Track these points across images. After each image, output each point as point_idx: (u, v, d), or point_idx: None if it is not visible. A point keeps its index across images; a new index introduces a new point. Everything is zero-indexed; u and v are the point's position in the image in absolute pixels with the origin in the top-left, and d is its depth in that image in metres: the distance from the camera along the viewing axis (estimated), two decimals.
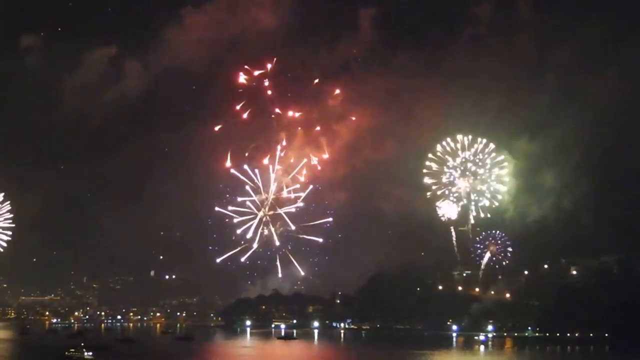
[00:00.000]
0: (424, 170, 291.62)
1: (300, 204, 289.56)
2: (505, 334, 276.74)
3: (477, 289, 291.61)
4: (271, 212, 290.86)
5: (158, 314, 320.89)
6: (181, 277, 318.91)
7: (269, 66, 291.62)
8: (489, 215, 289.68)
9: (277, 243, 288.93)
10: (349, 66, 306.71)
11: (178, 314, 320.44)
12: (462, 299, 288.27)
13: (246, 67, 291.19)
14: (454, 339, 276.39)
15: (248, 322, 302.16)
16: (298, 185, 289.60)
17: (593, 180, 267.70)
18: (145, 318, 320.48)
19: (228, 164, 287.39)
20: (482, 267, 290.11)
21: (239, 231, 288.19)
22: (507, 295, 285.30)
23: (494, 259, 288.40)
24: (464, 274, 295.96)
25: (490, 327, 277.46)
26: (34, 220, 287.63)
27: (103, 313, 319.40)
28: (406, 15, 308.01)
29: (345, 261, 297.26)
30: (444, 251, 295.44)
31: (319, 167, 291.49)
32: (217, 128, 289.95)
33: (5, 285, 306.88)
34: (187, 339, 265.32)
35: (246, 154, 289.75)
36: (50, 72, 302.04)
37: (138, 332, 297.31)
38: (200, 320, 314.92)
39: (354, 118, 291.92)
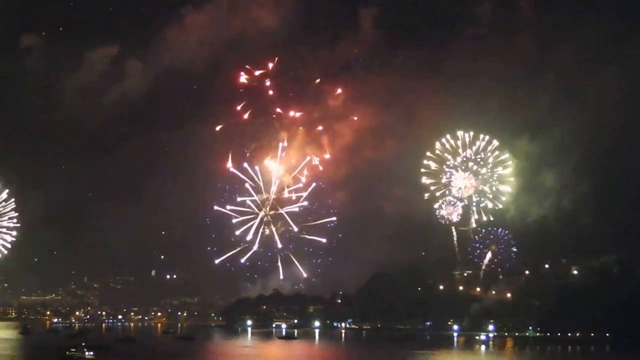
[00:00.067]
0: (422, 170, 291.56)
1: (304, 202, 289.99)
2: (506, 334, 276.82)
3: (477, 289, 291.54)
4: (272, 212, 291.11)
5: (159, 314, 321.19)
6: (182, 277, 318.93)
7: (270, 65, 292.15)
8: (491, 218, 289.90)
9: (279, 245, 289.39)
10: (349, 66, 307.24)
11: (179, 313, 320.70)
12: (462, 298, 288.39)
13: (247, 66, 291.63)
14: (455, 339, 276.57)
15: (249, 322, 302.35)
16: (301, 185, 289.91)
17: (593, 180, 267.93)
18: (146, 318, 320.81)
19: (229, 163, 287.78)
20: (483, 267, 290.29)
21: (239, 231, 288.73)
22: (508, 295, 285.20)
23: (496, 260, 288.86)
24: (465, 274, 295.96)
25: (491, 327, 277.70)
26: (35, 220, 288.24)
27: (104, 313, 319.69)
28: (407, 15, 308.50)
29: (346, 261, 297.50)
30: (444, 251, 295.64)
31: (321, 168, 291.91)
32: (218, 128, 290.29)
33: (6, 285, 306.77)
34: (188, 339, 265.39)
35: (247, 154, 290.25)
36: (51, 72, 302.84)
37: (139, 331, 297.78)
38: (201, 320, 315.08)
39: (355, 118, 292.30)
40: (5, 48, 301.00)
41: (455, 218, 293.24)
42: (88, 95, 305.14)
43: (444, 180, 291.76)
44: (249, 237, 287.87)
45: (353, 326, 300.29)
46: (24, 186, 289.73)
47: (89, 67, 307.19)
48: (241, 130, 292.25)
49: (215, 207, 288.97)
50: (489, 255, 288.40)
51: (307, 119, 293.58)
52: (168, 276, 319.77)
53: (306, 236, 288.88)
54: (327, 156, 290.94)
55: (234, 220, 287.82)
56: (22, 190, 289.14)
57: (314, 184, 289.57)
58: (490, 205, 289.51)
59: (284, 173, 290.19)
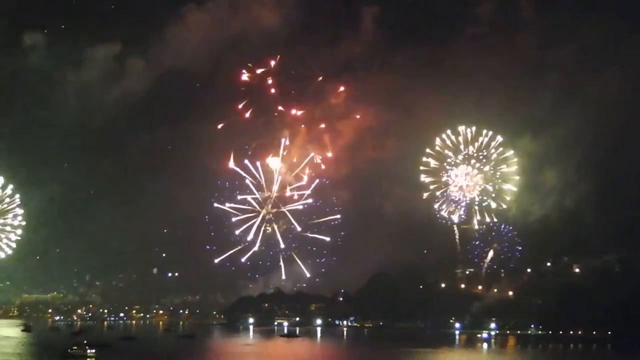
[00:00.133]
0: (421, 167, 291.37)
1: (309, 200, 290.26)
2: (507, 332, 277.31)
3: (479, 287, 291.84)
4: (274, 210, 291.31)
5: (160, 312, 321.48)
6: (183, 275, 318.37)
7: (272, 63, 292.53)
8: (495, 220, 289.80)
9: (282, 245, 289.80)
10: (350, 65, 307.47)
11: (180, 312, 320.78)
12: (464, 297, 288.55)
13: (249, 65, 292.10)
14: (457, 337, 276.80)
15: (250, 320, 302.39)
16: (304, 182, 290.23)
17: (595, 179, 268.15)
18: (147, 316, 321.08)
19: (231, 162, 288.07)
20: (485, 265, 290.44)
21: (239, 230, 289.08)
22: (510, 293, 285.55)
23: (501, 257, 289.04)
24: (467, 272, 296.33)
25: (492, 325, 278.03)
26: (37, 218, 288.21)
27: (105, 311, 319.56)
28: (407, 14, 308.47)
29: (348, 260, 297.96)
30: (446, 249, 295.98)
31: (323, 167, 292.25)
32: (219, 126, 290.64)
33: (8, 283, 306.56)
34: (190, 337, 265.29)
35: (249, 152, 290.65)
36: (53, 70, 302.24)
37: (140, 330, 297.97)
38: (202, 318, 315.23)
39: (358, 116, 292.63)
40: (7, 46, 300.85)
41: (456, 219, 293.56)
42: (90, 94, 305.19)
43: (444, 179, 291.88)
44: (250, 236, 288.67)
45: (355, 324, 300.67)
46: (26, 184, 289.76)
47: (91, 65, 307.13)
48: (243, 129, 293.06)
49: (215, 205, 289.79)
50: (490, 253, 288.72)
51: (309, 117, 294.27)
52: (170, 274, 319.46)
53: (310, 235, 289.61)
54: (329, 154, 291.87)
55: (234, 219, 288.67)
56: (23, 189, 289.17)
57: (317, 181, 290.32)
58: (493, 204, 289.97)
59: (286, 171, 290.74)
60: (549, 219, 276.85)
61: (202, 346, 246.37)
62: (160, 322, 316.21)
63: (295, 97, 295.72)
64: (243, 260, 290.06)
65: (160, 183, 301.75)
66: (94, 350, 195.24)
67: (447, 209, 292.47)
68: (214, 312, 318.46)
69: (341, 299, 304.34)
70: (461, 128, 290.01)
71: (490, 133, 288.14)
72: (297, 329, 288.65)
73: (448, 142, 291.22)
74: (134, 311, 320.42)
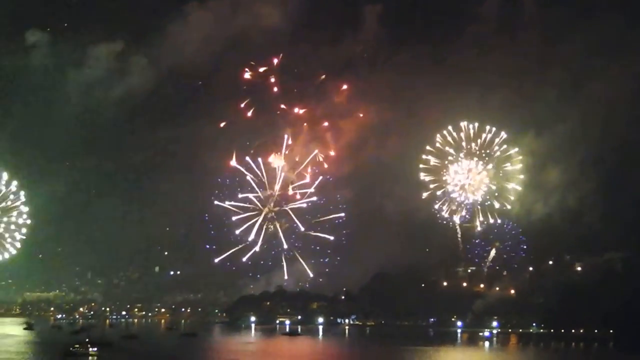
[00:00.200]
0: (420, 165, 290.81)
1: (313, 198, 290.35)
2: (509, 331, 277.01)
3: (481, 286, 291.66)
4: (277, 209, 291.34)
5: (162, 310, 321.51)
6: (185, 273, 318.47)
7: (275, 62, 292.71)
8: (498, 221, 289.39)
9: (285, 246, 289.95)
10: (353, 63, 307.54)
11: (182, 310, 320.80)
12: (466, 295, 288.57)
13: (251, 63, 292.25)
14: (459, 335, 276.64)
15: (252, 319, 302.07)
16: (306, 180, 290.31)
17: (598, 177, 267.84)
18: (149, 314, 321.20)
19: (233, 160, 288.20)
20: (487, 263, 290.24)
21: (240, 230, 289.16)
22: (512, 291, 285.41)
23: (504, 256, 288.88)
24: (469, 271, 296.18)
25: (494, 324, 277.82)
26: (39, 217, 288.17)
27: (107, 309, 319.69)
28: (410, 11, 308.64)
29: (350, 258, 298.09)
30: (448, 248, 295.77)
31: (326, 166, 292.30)
32: (222, 125, 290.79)
33: (10, 281, 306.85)
34: (191, 335, 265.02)
35: (251, 151, 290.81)
36: (56, 68, 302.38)
37: (142, 328, 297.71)
38: (204, 316, 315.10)
39: (361, 115, 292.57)
40: (10, 44, 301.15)
41: (458, 220, 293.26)
42: (92, 92, 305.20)
43: (445, 178, 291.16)
44: (251, 236, 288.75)
45: (357, 323, 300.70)
46: (28, 183, 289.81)
47: (94, 63, 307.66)
48: (245, 127, 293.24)
49: (216, 203, 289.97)
50: (493, 252, 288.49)
51: (311, 115, 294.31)
52: (171, 273, 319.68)
53: (313, 233, 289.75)
54: (332, 153, 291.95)
55: (234, 218, 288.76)
56: (26, 187, 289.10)
57: (320, 177, 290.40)
58: (496, 204, 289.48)
59: (288, 169, 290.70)
60: (551, 217, 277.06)
61: (204, 345, 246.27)
62: (162, 321, 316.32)
63: (298, 95, 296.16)
64: (244, 259, 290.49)
65: (163, 181, 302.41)
66: (95, 349, 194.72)
67: (449, 209, 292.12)
68: (216, 311, 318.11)
69: (343, 297, 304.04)
70: (463, 124, 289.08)
71: (494, 129, 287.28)
72: (299, 327, 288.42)
73: (449, 138, 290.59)
74: (136, 309, 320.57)
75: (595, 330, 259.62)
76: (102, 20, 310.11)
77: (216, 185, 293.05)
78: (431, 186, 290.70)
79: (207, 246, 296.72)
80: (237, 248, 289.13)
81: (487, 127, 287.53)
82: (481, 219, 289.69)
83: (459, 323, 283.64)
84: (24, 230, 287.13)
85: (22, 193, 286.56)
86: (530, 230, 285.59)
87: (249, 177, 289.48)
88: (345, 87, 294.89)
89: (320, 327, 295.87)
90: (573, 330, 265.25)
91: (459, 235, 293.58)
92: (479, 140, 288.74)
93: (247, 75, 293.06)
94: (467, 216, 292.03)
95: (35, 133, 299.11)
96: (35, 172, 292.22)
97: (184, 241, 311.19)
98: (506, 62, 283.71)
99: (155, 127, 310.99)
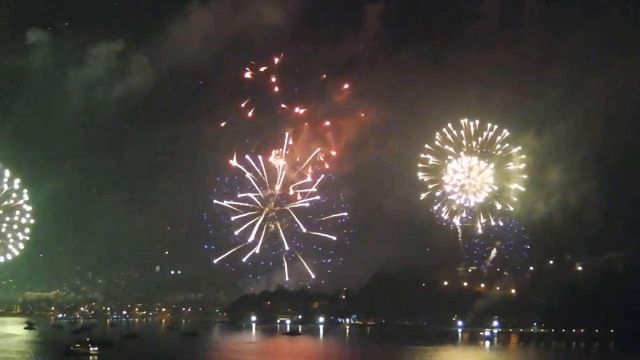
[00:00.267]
0: (419, 165, 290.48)
1: (316, 197, 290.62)
2: (510, 330, 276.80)
3: (482, 285, 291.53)
4: (278, 208, 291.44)
5: (163, 310, 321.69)
6: (186, 273, 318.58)
7: (276, 61, 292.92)
8: (500, 223, 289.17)
9: (287, 247, 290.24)
10: (355, 62, 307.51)
11: (183, 309, 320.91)
12: (467, 294, 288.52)
13: (252, 63, 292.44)
14: (459, 335, 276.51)
15: (253, 318, 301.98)
16: (307, 180, 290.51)
17: (599, 177, 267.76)
18: (150, 314, 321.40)
19: (234, 160, 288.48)
20: (488, 263, 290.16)
21: (240, 230, 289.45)
22: (513, 291, 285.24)
23: (506, 257, 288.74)
24: (469, 270, 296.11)
25: (495, 323, 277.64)
26: (39, 216, 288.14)
27: (108, 308, 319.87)
28: (411, 10, 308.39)
29: (350, 258, 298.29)
30: (448, 247, 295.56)
31: (327, 166, 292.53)
32: (222, 124, 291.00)
33: (11, 281, 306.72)
34: (192, 335, 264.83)
35: (252, 150, 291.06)
36: (57, 67, 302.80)
37: (143, 327, 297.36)
38: (205, 316, 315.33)
39: (362, 114, 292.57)
40: (11, 44, 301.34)
41: (458, 222, 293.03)
42: (93, 91, 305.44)
43: (444, 178, 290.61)
44: (252, 237, 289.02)
45: (357, 322, 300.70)
46: (29, 182, 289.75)
47: (94, 63, 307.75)
48: (246, 127, 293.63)
49: (215, 202, 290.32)
50: (494, 251, 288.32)
51: (312, 115, 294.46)
52: (172, 272, 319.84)
53: (315, 233, 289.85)
54: (333, 153, 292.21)
55: (233, 218, 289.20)
56: (27, 186, 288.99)
57: (322, 176, 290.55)
58: (498, 205, 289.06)
59: (289, 169, 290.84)
60: (552, 217, 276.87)
61: (205, 344, 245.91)
62: (163, 320, 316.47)
63: (299, 95, 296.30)
64: (244, 260, 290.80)
65: (163, 181, 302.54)
66: (96, 348, 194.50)
67: (448, 210, 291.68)
68: (217, 310, 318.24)
69: (344, 297, 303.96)
70: (464, 121, 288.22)
71: (496, 127, 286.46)
72: (300, 327, 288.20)
73: (449, 136, 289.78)
74: (137, 309, 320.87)
75: (596, 330, 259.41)
76: (102, 19, 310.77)
77: (215, 184, 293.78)
78: (430, 186, 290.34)
79: (206, 246, 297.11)
80: (236, 248, 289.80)
81: (489, 125, 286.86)
82: (482, 221, 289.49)
83: (460, 322, 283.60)
84: (27, 230, 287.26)
85: (24, 191, 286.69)
86: (531, 229, 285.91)
87: (249, 176, 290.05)
88: (346, 86, 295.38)
89: (321, 327, 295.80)
90: (574, 330, 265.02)
91: (460, 235, 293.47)
92: (479, 139, 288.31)
93: (248, 75, 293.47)
94: (468, 217, 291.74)
95: (36, 132, 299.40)
96: (36, 171, 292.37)
97: (184, 241, 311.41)
98: (507, 60, 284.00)
99: (156, 126, 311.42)
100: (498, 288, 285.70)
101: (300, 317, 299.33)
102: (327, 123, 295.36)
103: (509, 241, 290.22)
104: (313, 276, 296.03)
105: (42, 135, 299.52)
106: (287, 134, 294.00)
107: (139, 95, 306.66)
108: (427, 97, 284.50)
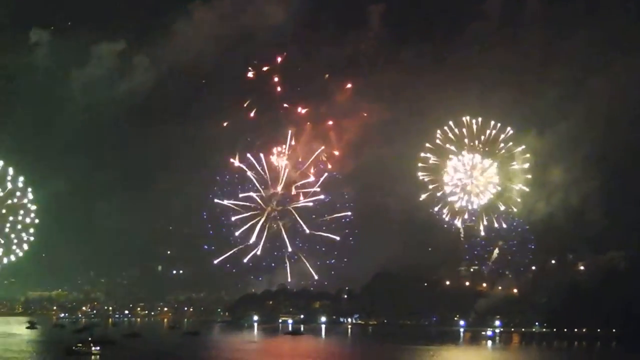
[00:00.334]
0: (419, 164, 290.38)
1: (320, 196, 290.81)
2: (512, 330, 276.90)
3: (484, 285, 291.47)
4: (280, 207, 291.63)
5: (165, 309, 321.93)
6: (188, 272, 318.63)
7: (279, 59, 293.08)
8: (504, 225, 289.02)
9: (289, 248, 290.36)
10: (357, 62, 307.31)
11: (185, 309, 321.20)
12: (469, 294, 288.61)
13: (255, 62, 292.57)
14: (461, 334, 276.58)
15: (255, 318, 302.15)
16: (310, 180, 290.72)
17: (601, 176, 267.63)
18: (152, 313, 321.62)
19: (236, 159, 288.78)
20: (490, 263, 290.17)
21: (240, 230, 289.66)
22: (514, 290, 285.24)
23: (509, 257, 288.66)
24: (471, 270, 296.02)
25: (497, 323, 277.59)
26: (41, 215, 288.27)
27: (110, 308, 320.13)
28: (413, 10, 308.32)
29: (352, 257, 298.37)
30: (450, 247, 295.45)
31: (330, 166, 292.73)
32: (225, 124, 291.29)
33: (13, 280, 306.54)
34: (194, 334, 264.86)
35: (254, 150, 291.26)
36: (59, 67, 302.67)
37: (145, 327, 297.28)
38: (207, 315, 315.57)
39: (365, 114, 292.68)
40: (13, 43, 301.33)
41: (460, 224, 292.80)
42: (96, 91, 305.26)
43: (445, 179, 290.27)
44: (253, 238, 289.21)
45: (359, 322, 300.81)
46: (31, 182, 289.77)
47: (97, 62, 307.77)
48: (248, 126, 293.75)
49: (216, 201, 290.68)
50: (496, 251, 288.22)
51: (315, 114, 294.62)
52: (174, 272, 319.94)
53: (317, 233, 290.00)
54: (336, 153, 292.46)
55: (233, 218, 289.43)
56: (30, 185, 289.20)
57: (326, 174, 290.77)
58: (501, 206, 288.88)
59: (291, 168, 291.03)
60: (554, 216, 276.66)
61: (207, 343, 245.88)
62: (165, 319, 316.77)
63: (301, 94, 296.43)
64: (245, 260, 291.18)
65: (165, 180, 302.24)
66: (98, 347, 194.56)
67: (449, 212, 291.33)
68: (219, 310, 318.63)
69: (345, 296, 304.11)
70: (465, 118, 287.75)
71: (499, 125, 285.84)
72: (302, 326, 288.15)
73: (450, 134, 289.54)
74: (139, 308, 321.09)
75: (598, 330, 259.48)
76: (104, 19, 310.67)
77: (216, 184, 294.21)
78: (430, 187, 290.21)
79: (205, 247, 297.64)
80: (236, 249, 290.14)
81: (492, 123, 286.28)
82: (485, 223, 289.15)
83: (462, 322, 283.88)
84: (31, 230, 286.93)
85: (29, 190, 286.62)
86: (533, 229, 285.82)
87: (251, 175, 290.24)
88: (348, 86, 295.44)
89: (323, 326, 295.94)
90: (576, 330, 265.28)
91: (462, 235, 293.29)
92: (482, 137, 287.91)
93: (250, 75, 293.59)
94: (472, 218, 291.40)
95: (38, 132, 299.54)
96: (38, 171, 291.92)
97: (186, 240, 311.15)
98: (508, 59, 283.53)
99: (158, 126, 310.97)
100: (500, 288, 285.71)
101: (302, 316, 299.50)
102: (330, 122, 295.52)
103: (511, 241, 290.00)
104: (316, 277, 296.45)
105: (44, 135, 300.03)
106: (289, 133, 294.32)
107: (141, 94, 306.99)
108: (428, 96, 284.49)
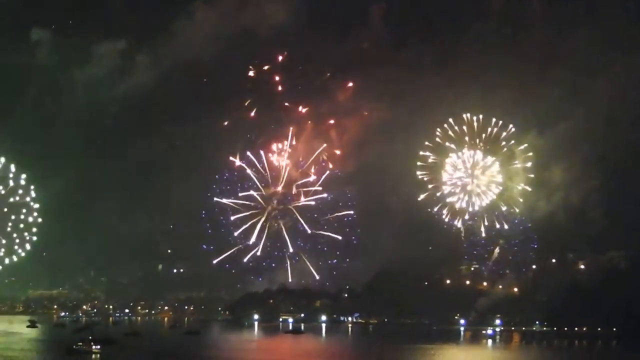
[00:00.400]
0: (418, 163, 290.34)
1: (323, 195, 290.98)
2: (512, 329, 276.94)
3: (484, 284, 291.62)
4: (281, 206, 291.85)
5: (165, 308, 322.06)
6: (189, 271, 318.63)
7: (280, 58, 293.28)
8: (505, 227, 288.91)
9: (291, 250, 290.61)
10: (359, 60, 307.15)
11: (185, 308, 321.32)
12: (469, 293, 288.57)
13: (256, 61, 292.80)
14: (462, 333, 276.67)
15: (255, 316, 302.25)
16: (310, 179, 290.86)
17: (602, 175, 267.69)
18: (152, 312, 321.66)
19: (237, 157, 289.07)
20: (491, 262, 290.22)
21: (240, 230, 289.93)
22: (515, 289, 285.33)
23: (508, 258, 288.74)
24: (472, 269, 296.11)
25: (497, 322, 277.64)
26: (42, 214, 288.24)
27: (111, 307, 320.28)
28: (415, 10, 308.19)
29: (354, 257, 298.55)
30: (451, 246, 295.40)
31: (330, 166, 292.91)
32: (225, 123, 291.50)
33: (13, 279, 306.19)
34: (195, 333, 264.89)
35: (255, 149, 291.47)
36: (60, 66, 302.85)
37: (145, 326, 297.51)
38: (207, 314, 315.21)
39: (366, 113, 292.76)
40: (15, 42, 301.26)
41: (460, 224, 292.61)
42: (97, 90, 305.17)
43: (445, 178, 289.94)
44: (253, 238, 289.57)
45: (360, 321, 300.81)
46: (32, 180, 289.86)
47: (98, 61, 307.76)
48: (249, 125, 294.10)
49: (215, 199, 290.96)
50: (497, 250, 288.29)
51: (316, 113, 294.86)
52: (175, 270, 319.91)
53: (318, 232, 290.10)
54: (338, 152, 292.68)
55: (233, 217, 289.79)
56: (31, 183, 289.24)
57: (327, 172, 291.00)
58: (503, 207, 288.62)
59: (292, 167, 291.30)
60: (554, 215, 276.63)
61: (207, 342, 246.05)
62: (165, 318, 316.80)
63: (302, 93, 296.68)
64: (245, 260, 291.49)
65: (166, 179, 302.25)
66: (99, 346, 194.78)
67: (449, 213, 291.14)
68: (219, 309, 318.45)
69: (346, 295, 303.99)
70: (466, 115, 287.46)
71: (501, 122, 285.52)
72: (302, 325, 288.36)
73: (450, 132, 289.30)
74: (139, 307, 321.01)
75: (599, 329, 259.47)
76: (106, 18, 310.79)
77: (216, 182, 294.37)
78: (429, 186, 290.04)
79: (204, 246, 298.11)
80: (235, 249, 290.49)
81: (493, 120, 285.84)
82: (486, 223, 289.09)
83: (462, 321, 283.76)
84: (34, 229, 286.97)
85: (31, 187, 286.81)
86: (535, 228, 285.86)
87: (251, 174, 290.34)
88: (350, 84, 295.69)
89: (323, 325, 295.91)
90: (576, 329, 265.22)
91: (462, 235, 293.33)
92: (483, 135, 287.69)
93: (251, 73, 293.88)
94: (474, 218, 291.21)
95: (39, 131, 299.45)
96: (39, 169, 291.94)
97: (187, 239, 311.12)
98: (509, 60, 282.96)
99: (160, 124, 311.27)
100: (500, 286, 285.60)
101: (302, 315, 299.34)
102: (331, 122, 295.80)
103: (513, 241, 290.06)
104: (317, 277, 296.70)
105: (45, 134, 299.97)
106: (290, 132, 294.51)
107: (142, 93, 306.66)
108: (429, 95, 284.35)
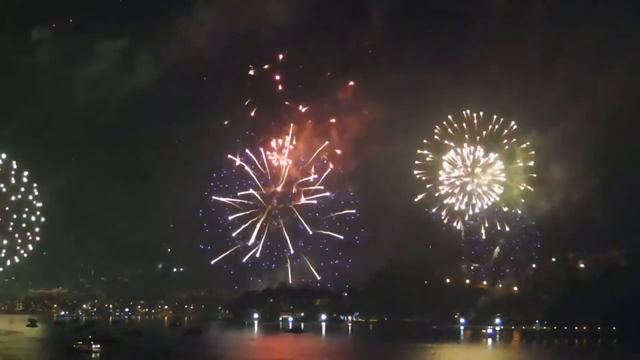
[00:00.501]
0: (416, 162, 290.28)
1: (326, 193, 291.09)
2: (512, 328, 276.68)
3: (484, 283, 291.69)
4: (281, 206, 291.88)
5: (166, 307, 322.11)
6: (189, 270, 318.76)
7: (280, 57, 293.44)
8: (507, 229, 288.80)
9: (291, 250, 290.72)
10: (359, 59, 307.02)
11: (186, 306, 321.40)
12: (469, 292, 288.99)
13: (256, 60, 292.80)
14: (462, 332, 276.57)
15: (256, 315, 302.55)
16: (310, 178, 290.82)
17: (602, 174, 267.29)
18: (153, 311, 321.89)
19: (237, 157, 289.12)
20: (491, 261, 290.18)
21: (239, 230, 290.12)
22: (515, 288, 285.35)
23: (509, 257, 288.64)
24: (472, 268, 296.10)
25: (498, 321, 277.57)
26: (42, 213, 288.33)
27: (111, 306, 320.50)
28: (416, 9, 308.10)
29: (353, 255, 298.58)
30: (451, 245, 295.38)
31: (331, 165, 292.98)
32: (226, 122, 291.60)
33: (13, 278, 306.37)
34: (195, 332, 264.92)
35: (255, 147, 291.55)
36: (61, 64, 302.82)
37: (146, 325, 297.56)
38: (207, 313, 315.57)
39: (366, 112, 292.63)
40: (16, 41, 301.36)
41: (460, 225, 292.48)
42: (98, 88, 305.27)
43: (443, 178, 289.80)
44: (252, 239, 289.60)
45: (360, 319, 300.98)
46: (33, 179, 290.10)
47: (100, 59, 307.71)
48: (250, 124, 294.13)
49: (214, 198, 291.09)
50: (497, 249, 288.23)
51: (317, 112, 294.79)
52: (175, 269, 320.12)
53: (319, 231, 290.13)
54: (338, 152, 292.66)
55: (230, 217, 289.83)
56: (33, 181, 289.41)
57: (329, 169, 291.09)
58: (505, 208, 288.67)
59: (292, 166, 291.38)
60: (555, 214, 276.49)
61: (208, 341, 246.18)
62: (166, 317, 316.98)
63: (303, 92, 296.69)
64: (244, 260, 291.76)
65: (166, 178, 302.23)
66: (99, 345, 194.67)
67: (447, 215, 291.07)
68: (219, 308, 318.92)
69: (346, 294, 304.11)
70: (466, 111, 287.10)
71: (502, 119, 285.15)
72: (302, 324, 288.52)
73: (450, 130, 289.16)
74: (139, 306, 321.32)
75: (599, 327, 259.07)
76: (107, 16, 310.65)
77: (215, 181, 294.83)
78: (427, 186, 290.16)
79: (201, 246, 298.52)
80: (233, 249, 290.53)
81: (494, 117, 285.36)
82: (487, 225, 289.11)
83: (462, 320, 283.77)
84: (37, 229, 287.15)
85: (34, 185, 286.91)
86: (534, 226, 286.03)
87: (251, 172, 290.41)
88: (351, 83, 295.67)
89: (324, 324, 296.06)
90: (576, 327, 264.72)
91: (462, 234, 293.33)
92: (484, 132, 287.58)
93: (252, 73, 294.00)
94: (476, 219, 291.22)
95: (41, 130, 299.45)
96: (40, 168, 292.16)
97: (187, 238, 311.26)
98: (511, 58, 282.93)
99: (160, 123, 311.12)
100: (500, 285, 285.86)
101: (302, 314, 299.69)
102: (332, 120, 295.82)
103: (515, 240, 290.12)
104: (319, 277, 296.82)
105: (47, 133, 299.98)
106: (290, 131, 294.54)
107: (144, 92, 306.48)
108: (431, 94, 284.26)
